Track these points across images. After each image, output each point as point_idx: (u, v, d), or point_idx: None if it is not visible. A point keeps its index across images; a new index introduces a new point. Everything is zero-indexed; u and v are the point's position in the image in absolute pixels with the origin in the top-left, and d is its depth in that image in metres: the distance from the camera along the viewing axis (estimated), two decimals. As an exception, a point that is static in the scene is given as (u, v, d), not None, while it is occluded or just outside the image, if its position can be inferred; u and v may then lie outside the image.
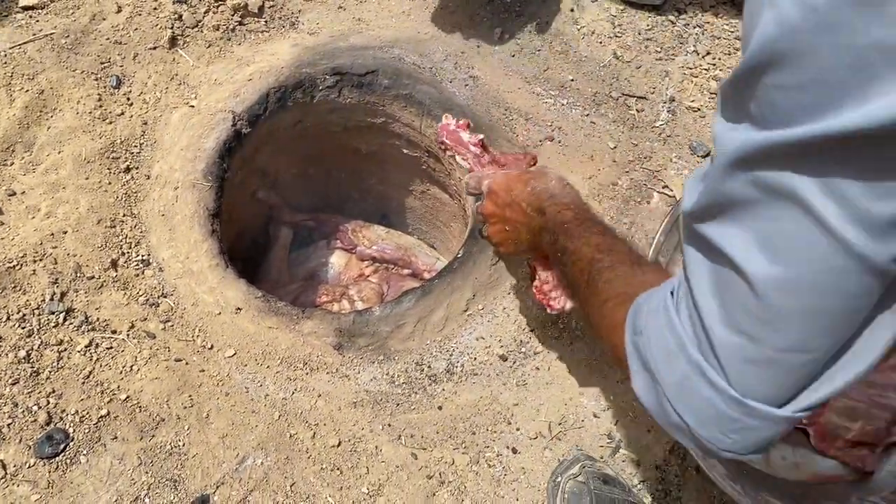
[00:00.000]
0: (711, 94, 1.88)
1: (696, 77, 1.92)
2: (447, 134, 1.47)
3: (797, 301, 0.61)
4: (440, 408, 1.47)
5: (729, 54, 1.97)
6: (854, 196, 0.55)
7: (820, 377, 0.67)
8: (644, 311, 0.80)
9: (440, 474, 1.39)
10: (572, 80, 1.89)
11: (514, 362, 1.52)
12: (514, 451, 1.42)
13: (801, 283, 0.60)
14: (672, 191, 1.71)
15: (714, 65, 1.95)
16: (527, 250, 1.27)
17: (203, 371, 1.43)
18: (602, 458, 1.42)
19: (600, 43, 1.96)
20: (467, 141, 1.45)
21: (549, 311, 1.33)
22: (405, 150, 2.07)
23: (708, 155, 1.77)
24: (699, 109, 1.85)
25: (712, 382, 0.68)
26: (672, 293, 0.76)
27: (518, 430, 1.45)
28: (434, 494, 1.37)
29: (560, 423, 1.45)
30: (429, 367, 1.51)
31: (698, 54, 1.96)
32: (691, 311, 0.71)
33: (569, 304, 1.31)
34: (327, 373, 1.48)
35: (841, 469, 1.44)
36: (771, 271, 0.61)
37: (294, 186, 2.22)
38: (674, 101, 1.87)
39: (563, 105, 1.85)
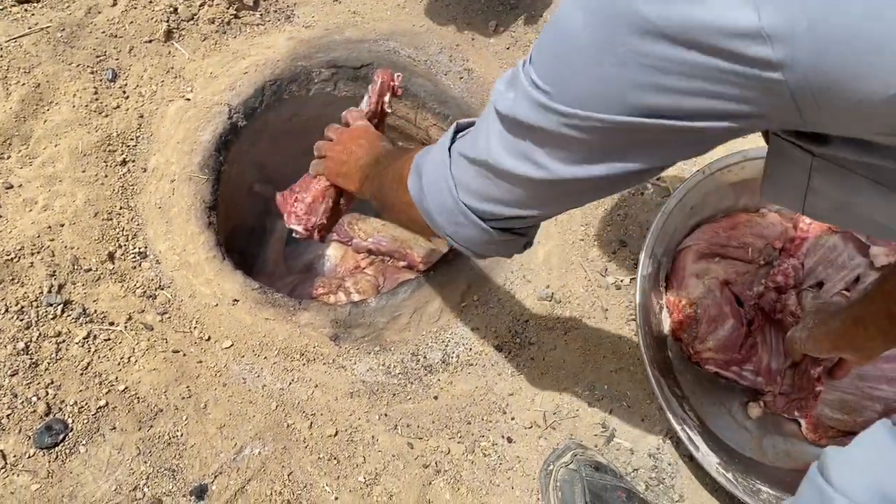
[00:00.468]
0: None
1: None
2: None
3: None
4: (436, 398, 1.48)
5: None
6: None
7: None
8: (430, 146, 1.00)
9: (436, 463, 1.41)
10: (567, 72, 1.90)
11: (509, 353, 1.53)
12: (510, 440, 1.44)
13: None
14: (666, 182, 1.72)
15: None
16: (343, 174, 1.41)
17: (201, 362, 1.44)
18: (596, 446, 1.44)
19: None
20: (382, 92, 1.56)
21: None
22: (400, 143, 2.08)
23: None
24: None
25: (449, 184, 0.89)
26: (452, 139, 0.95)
27: (513, 419, 1.46)
28: (430, 483, 1.39)
29: (555, 413, 1.46)
30: (424, 357, 1.52)
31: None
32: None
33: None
34: (324, 363, 1.50)
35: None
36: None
37: (290, 179, 2.22)
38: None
39: (557, 97, 1.86)
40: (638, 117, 0.64)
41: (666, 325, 1.56)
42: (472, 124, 0.94)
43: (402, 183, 1.03)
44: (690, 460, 1.44)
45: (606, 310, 1.57)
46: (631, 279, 1.60)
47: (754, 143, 1.78)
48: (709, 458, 1.36)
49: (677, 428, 1.35)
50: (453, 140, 0.94)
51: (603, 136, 0.69)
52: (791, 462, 1.47)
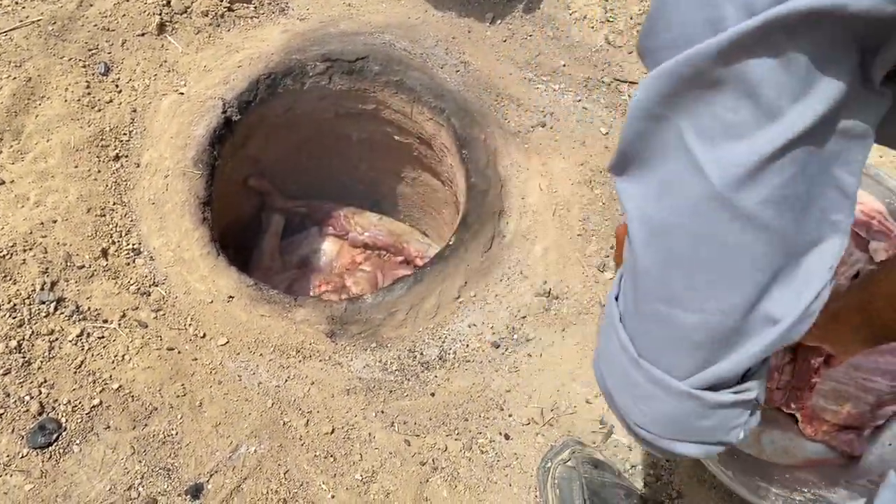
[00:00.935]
0: (703, 79, 1.88)
1: (688, 62, 1.91)
2: None
3: (669, 247, 0.61)
4: (433, 394, 1.47)
5: (721, 39, 1.97)
6: (716, 136, 0.56)
7: (725, 351, 0.63)
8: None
9: (433, 460, 1.40)
10: (564, 65, 1.89)
11: (507, 349, 1.52)
12: (507, 437, 1.43)
13: (672, 227, 0.60)
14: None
15: (706, 50, 1.94)
16: (861, 340, 1.19)
17: (196, 360, 1.43)
18: (594, 443, 1.43)
19: (592, 28, 1.95)
20: None
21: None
22: (396, 137, 2.07)
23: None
24: (691, 95, 1.85)
25: (621, 341, 0.67)
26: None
27: (510, 416, 1.45)
28: (427, 481, 1.38)
29: (552, 409, 1.46)
30: (421, 354, 1.51)
31: (690, 39, 1.95)
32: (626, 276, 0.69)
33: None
34: (320, 360, 1.48)
35: (829, 453, 1.46)
36: (651, 214, 0.61)
37: (285, 173, 2.21)
38: (665, 86, 1.86)
39: (554, 90, 1.85)
40: None
41: None
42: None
43: None
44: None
45: (604, 305, 1.56)
46: (629, 275, 1.59)
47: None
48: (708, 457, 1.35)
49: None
50: None
51: None
52: (789, 458, 1.46)
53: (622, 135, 0.63)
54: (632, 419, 0.69)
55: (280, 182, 2.22)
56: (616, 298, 0.71)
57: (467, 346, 1.53)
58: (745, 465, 1.40)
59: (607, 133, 1.78)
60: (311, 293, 2.07)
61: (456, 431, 1.43)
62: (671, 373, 0.64)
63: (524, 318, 1.55)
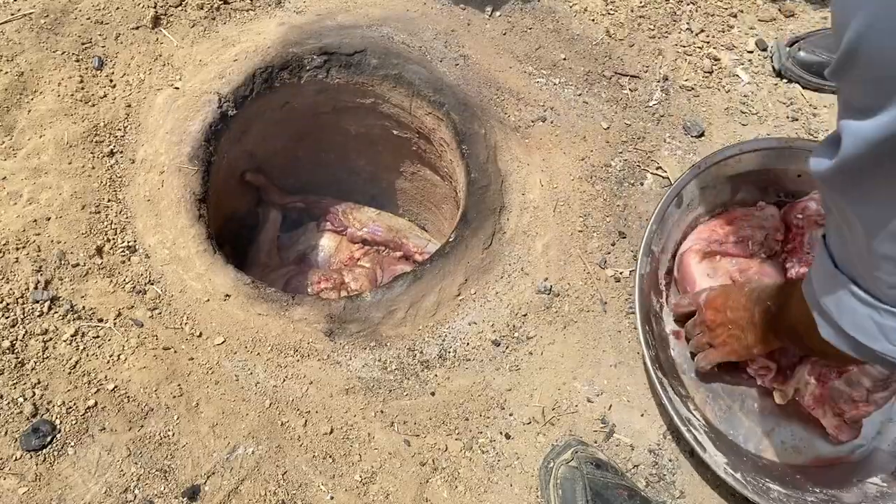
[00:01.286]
0: (705, 72, 1.86)
1: (690, 55, 1.89)
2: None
3: None
4: (433, 394, 1.45)
5: (723, 31, 1.95)
6: None
7: None
8: (810, 274, 1.01)
9: (433, 461, 1.38)
10: (564, 58, 1.86)
11: (507, 347, 1.50)
12: (508, 436, 1.41)
13: None
14: (665, 172, 1.69)
15: (708, 42, 1.92)
16: (753, 344, 1.34)
17: (192, 359, 1.41)
18: (596, 442, 1.41)
19: (593, 20, 1.93)
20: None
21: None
22: (395, 132, 2.04)
23: (702, 135, 1.75)
24: (693, 89, 1.83)
25: (867, 303, 0.85)
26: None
27: (511, 415, 1.44)
28: (427, 481, 1.36)
29: (553, 409, 1.44)
30: (421, 352, 1.49)
31: (692, 32, 1.93)
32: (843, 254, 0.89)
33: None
34: (318, 360, 1.46)
35: (840, 452, 1.45)
36: None
37: (283, 168, 2.19)
38: (667, 79, 1.84)
39: (555, 84, 1.82)
40: None
41: (668, 325, 1.53)
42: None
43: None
44: (692, 456, 1.42)
45: (606, 303, 1.54)
46: (630, 272, 1.57)
47: (752, 133, 1.75)
48: (716, 459, 1.33)
49: (683, 430, 1.32)
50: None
51: None
52: (800, 457, 1.45)
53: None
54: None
55: (277, 177, 2.19)
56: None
57: (468, 344, 1.51)
58: (756, 466, 1.39)
59: (608, 127, 1.75)
60: (310, 289, 2.04)
61: (456, 431, 1.42)
62: None
63: (525, 315, 1.53)
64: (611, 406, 1.45)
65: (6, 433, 1.25)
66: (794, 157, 1.56)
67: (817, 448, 1.45)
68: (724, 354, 1.40)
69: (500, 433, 1.42)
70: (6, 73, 1.62)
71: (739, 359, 1.41)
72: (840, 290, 0.89)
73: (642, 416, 1.44)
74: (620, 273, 1.57)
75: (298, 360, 1.46)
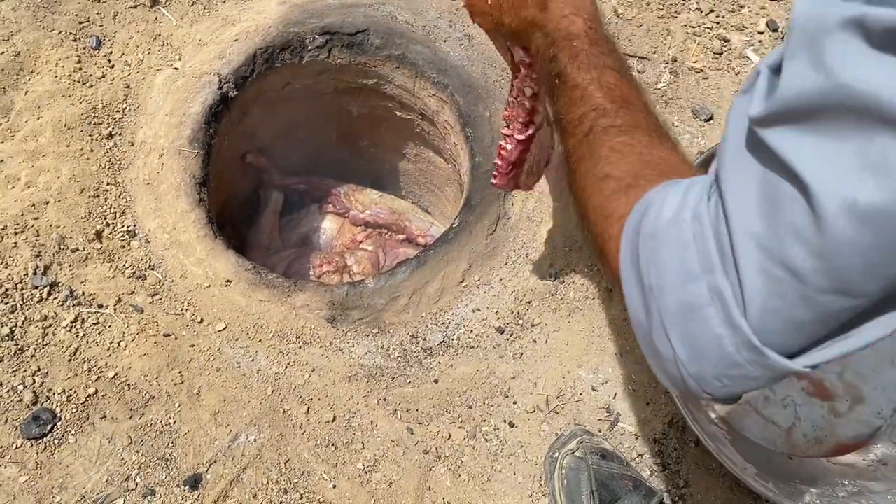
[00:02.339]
0: (715, 54, 1.82)
1: (699, 36, 1.85)
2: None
3: (874, 236, 0.49)
4: (436, 381, 1.44)
5: (733, 12, 1.90)
6: None
7: (847, 331, 0.55)
8: (654, 213, 0.64)
9: (436, 449, 1.37)
10: (571, 39, 1.82)
11: (511, 335, 1.49)
12: (512, 424, 1.40)
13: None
14: (674, 156, 1.66)
15: (717, 23, 1.88)
16: (510, 32, 1.00)
17: (193, 346, 1.40)
18: (600, 431, 1.40)
19: (601, 0, 1.89)
20: None
21: (505, 185, 1.19)
22: (398, 113, 2.01)
23: (711, 119, 1.72)
24: (702, 70, 1.79)
25: (730, 320, 0.57)
26: (709, 199, 0.60)
27: (515, 403, 1.42)
28: (430, 470, 1.35)
29: (558, 397, 1.43)
30: (424, 339, 1.48)
31: (701, 12, 1.89)
32: (720, 232, 0.58)
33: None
34: (321, 346, 1.45)
35: (860, 432, 1.43)
36: (862, 197, 0.48)
37: (284, 149, 2.16)
38: (676, 61, 1.80)
39: (561, 66, 1.78)
40: None
41: None
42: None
43: (605, 245, 0.73)
44: (696, 445, 1.41)
45: (611, 290, 1.52)
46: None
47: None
48: (746, 471, 1.30)
49: (710, 447, 1.28)
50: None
51: None
52: (823, 448, 1.44)
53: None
54: (703, 388, 0.62)
55: (278, 158, 2.16)
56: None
57: (471, 331, 1.49)
58: (783, 469, 1.38)
59: (616, 110, 1.72)
60: (312, 272, 2.03)
61: (460, 419, 1.41)
62: (783, 352, 0.56)
63: (529, 302, 1.51)
64: (616, 395, 1.43)
65: (6, 421, 1.24)
66: None
67: (838, 435, 1.44)
68: (486, 23, 1.07)
69: (504, 421, 1.40)
70: (2, 53, 1.59)
71: (489, 29, 1.08)
72: (700, 283, 0.59)
73: (647, 405, 1.43)
74: (627, 260, 1.55)
75: (300, 347, 1.44)
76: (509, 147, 1.20)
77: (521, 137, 1.18)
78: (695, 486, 1.39)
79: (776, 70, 0.53)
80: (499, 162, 1.23)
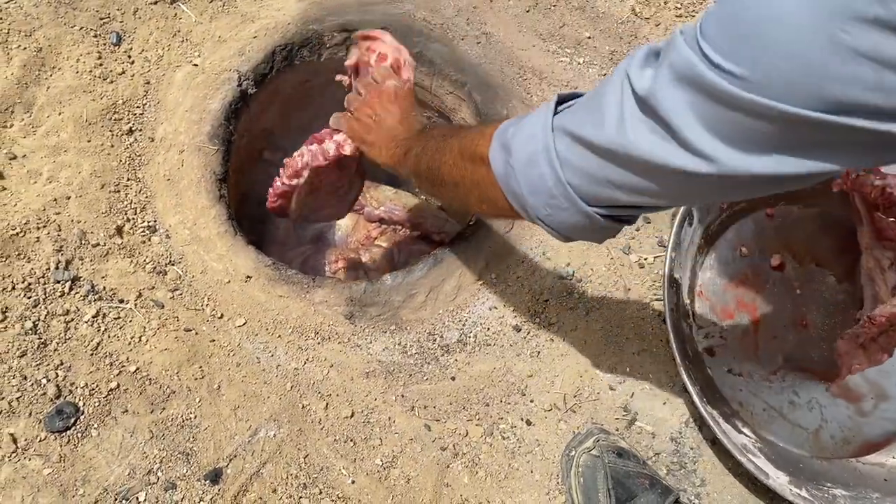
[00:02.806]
0: (733, 53, 1.81)
1: (718, 35, 1.84)
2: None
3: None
4: (453, 378, 1.45)
5: (751, 11, 1.90)
6: None
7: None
8: (516, 120, 0.92)
9: (454, 446, 1.38)
10: (589, 37, 1.83)
11: (528, 333, 1.49)
12: (529, 422, 1.41)
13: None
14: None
15: (736, 22, 1.87)
16: (370, 142, 1.32)
17: (213, 341, 1.41)
18: (617, 430, 1.41)
19: (619, -1, 1.89)
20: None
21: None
22: (427, 116, 2.01)
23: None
24: (720, 70, 1.79)
25: (552, 164, 0.82)
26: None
27: (532, 401, 1.43)
28: (448, 466, 1.36)
29: (575, 396, 1.43)
30: (441, 337, 1.49)
31: (720, 11, 1.88)
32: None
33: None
34: (339, 343, 1.46)
35: (887, 427, 1.43)
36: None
37: (301, 146, 2.16)
38: (694, 60, 1.80)
39: (579, 64, 1.79)
40: (839, 115, 0.58)
41: (700, 344, 1.51)
42: (575, 95, 0.88)
43: (475, 160, 0.97)
44: (713, 444, 1.41)
45: (629, 289, 1.53)
46: (655, 258, 1.55)
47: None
48: (780, 481, 1.30)
49: (743, 461, 1.27)
50: (555, 112, 0.86)
51: (791, 132, 0.62)
52: (851, 447, 1.44)
53: None
54: (536, 213, 0.88)
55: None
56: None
57: (488, 329, 1.50)
58: (814, 474, 1.38)
59: (633, 109, 1.72)
60: (327, 269, 2.03)
61: (477, 416, 1.41)
62: (582, 198, 0.84)
63: (546, 301, 1.52)
64: (633, 394, 1.44)
65: (30, 414, 1.26)
66: None
67: (864, 433, 1.44)
68: (348, 129, 1.37)
69: (521, 419, 1.41)
70: (25, 48, 1.60)
71: (353, 140, 1.37)
72: (541, 153, 0.85)
73: (664, 404, 1.43)
74: (645, 259, 1.55)
75: (319, 343, 1.45)
76: (277, 184, 1.49)
77: (282, 182, 1.48)
78: (711, 486, 1.39)
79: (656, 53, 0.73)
80: (270, 190, 1.51)
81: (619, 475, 1.29)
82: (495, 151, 0.91)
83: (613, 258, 1.55)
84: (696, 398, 1.31)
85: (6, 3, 1.64)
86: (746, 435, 1.39)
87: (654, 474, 1.33)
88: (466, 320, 1.50)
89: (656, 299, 1.51)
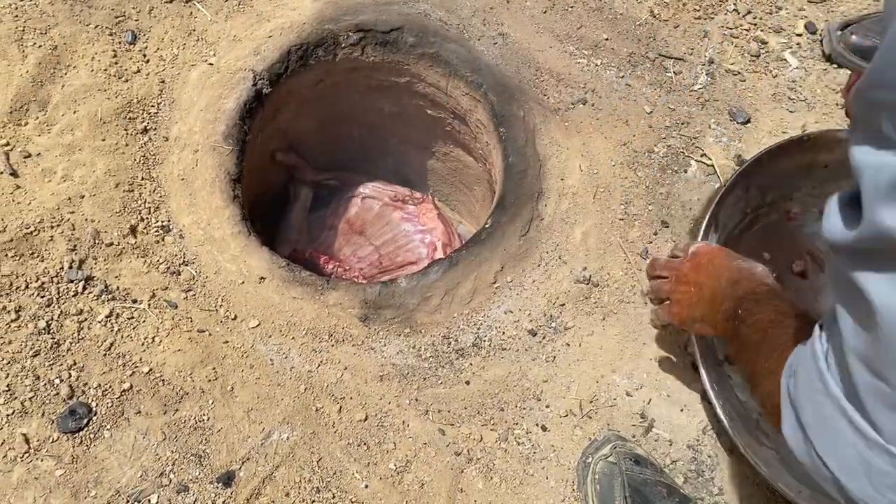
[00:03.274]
0: (752, 56, 1.79)
1: (737, 38, 1.83)
2: None
3: None
4: (468, 383, 1.43)
5: (770, 13, 1.88)
6: None
7: None
8: (799, 352, 0.77)
9: (468, 451, 1.36)
10: (607, 39, 1.81)
11: (544, 337, 1.48)
12: (544, 428, 1.39)
13: None
14: (710, 160, 1.64)
15: (755, 24, 1.86)
16: (699, 318, 1.23)
17: (227, 342, 1.40)
18: (634, 437, 1.39)
19: (637, 1, 1.87)
20: None
21: None
22: (429, 111, 2.00)
23: (748, 122, 1.69)
24: (739, 73, 1.77)
25: (859, 429, 0.63)
26: (820, 327, 0.72)
27: (548, 407, 1.41)
28: (462, 472, 1.35)
29: (591, 402, 1.41)
30: (456, 340, 1.47)
31: (738, 13, 1.87)
32: (838, 353, 0.66)
33: None
34: (353, 345, 1.45)
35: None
36: None
37: (314, 146, 2.15)
38: (713, 63, 1.78)
39: (596, 66, 1.77)
40: None
41: (720, 353, 1.48)
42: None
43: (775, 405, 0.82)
44: (731, 453, 1.39)
45: (646, 294, 1.50)
46: (673, 263, 1.53)
47: (799, 120, 1.69)
48: (801, 494, 1.25)
49: (764, 472, 1.23)
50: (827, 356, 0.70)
51: None
52: None
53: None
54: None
55: (309, 154, 2.16)
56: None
57: (503, 333, 1.48)
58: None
59: (651, 112, 1.70)
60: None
61: (491, 421, 1.40)
62: None
63: (563, 305, 1.50)
64: (650, 400, 1.42)
65: (43, 414, 1.25)
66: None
67: None
68: (671, 315, 1.28)
69: (537, 425, 1.39)
70: (40, 46, 1.59)
71: (681, 325, 1.29)
72: (827, 400, 0.68)
73: (682, 410, 1.41)
74: (662, 264, 1.53)
75: (333, 346, 1.44)
76: None
77: None
78: (729, 494, 1.37)
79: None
80: None
81: (637, 483, 1.27)
82: (786, 413, 0.77)
83: (631, 263, 1.53)
84: (718, 409, 1.28)
85: (22, 0, 1.64)
86: (768, 447, 1.36)
87: (672, 482, 1.31)
88: (481, 324, 1.49)
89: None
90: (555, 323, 1.49)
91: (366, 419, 1.37)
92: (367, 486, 1.31)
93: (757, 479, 1.37)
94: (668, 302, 1.29)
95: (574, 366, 1.45)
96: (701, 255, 1.26)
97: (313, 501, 1.28)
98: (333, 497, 1.29)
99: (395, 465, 1.34)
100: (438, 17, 1.81)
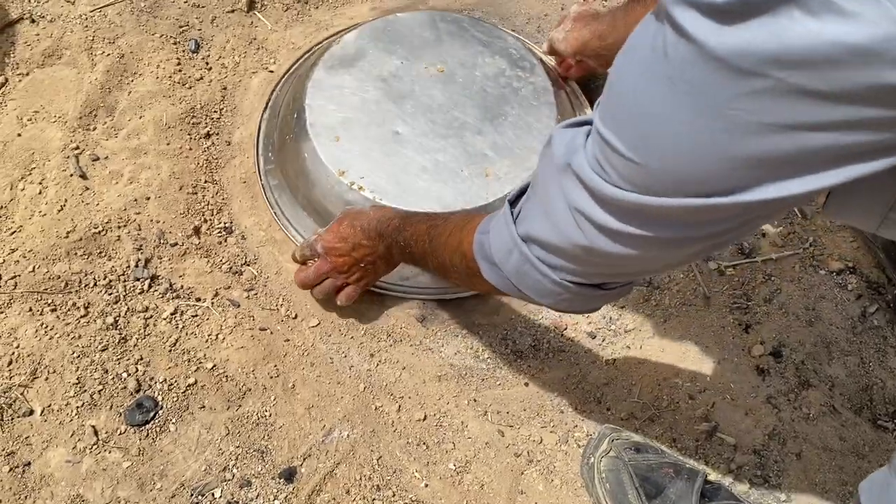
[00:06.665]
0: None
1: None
2: None
3: None
4: (526, 384, 1.42)
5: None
6: None
7: None
8: (487, 218, 0.96)
9: (528, 453, 1.35)
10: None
11: (604, 340, 1.46)
12: (605, 431, 1.37)
13: None
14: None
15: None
16: (388, 270, 1.38)
17: (288, 341, 1.41)
18: (697, 441, 1.36)
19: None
20: None
21: None
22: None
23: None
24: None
25: (540, 271, 0.83)
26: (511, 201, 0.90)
27: (608, 410, 1.40)
28: (522, 473, 1.33)
29: (654, 405, 1.39)
30: (514, 342, 1.46)
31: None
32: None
33: None
34: (411, 345, 1.45)
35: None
36: None
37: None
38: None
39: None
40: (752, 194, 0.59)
41: None
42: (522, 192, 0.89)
43: (465, 258, 1.00)
44: (798, 458, 1.36)
45: (709, 297, 1.48)
46: (735, 266, 1.51)
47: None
48: None
49: None
50: (514, 218, 0.88)
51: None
52: None
53: None
54: (559, 308, 0.93)
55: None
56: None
57: (562, 335, 1.47)
58: None
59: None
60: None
61: (551, 423, 1.38)
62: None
63: (623, 308, 1.48)
64: (713, 404, 1.39)
65: (111, 407, 1.27)
66: None
67: None
68: (367, 285, 1.40)
69: (597, 428, 1.37)
70: (108, 55, 1.64)
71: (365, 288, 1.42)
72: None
73: (746, 414, 1.39)
74: (724, 266, 1.51)
75: (391, 345, 1.44)
76: None
77: None
78: (796, 501, 1.33)
79: None
80: None
81: (643, 470, 1.24)
82: (486, 271, 0.94)
83: (692, 265, 1.51)
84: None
85: (91, 11, 1.70)
86: None
87: (677, 460, 1.28)
88: (540, 326, 1.48)
89: (737, 307, 1.47)
90: (615, 325, 1.47)
91: (424, 419, 1.37)
92: (427, 486, 1.30)
93: (826, 486, 1.33)
94: (351, 286, 1.38)
95: (635, 369, 1.43)
96: (333, 244, 1.34)
97: (374, 499, 1.28)
98: (394, 496, 1.28)
99: (454, 466, 1.33)
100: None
